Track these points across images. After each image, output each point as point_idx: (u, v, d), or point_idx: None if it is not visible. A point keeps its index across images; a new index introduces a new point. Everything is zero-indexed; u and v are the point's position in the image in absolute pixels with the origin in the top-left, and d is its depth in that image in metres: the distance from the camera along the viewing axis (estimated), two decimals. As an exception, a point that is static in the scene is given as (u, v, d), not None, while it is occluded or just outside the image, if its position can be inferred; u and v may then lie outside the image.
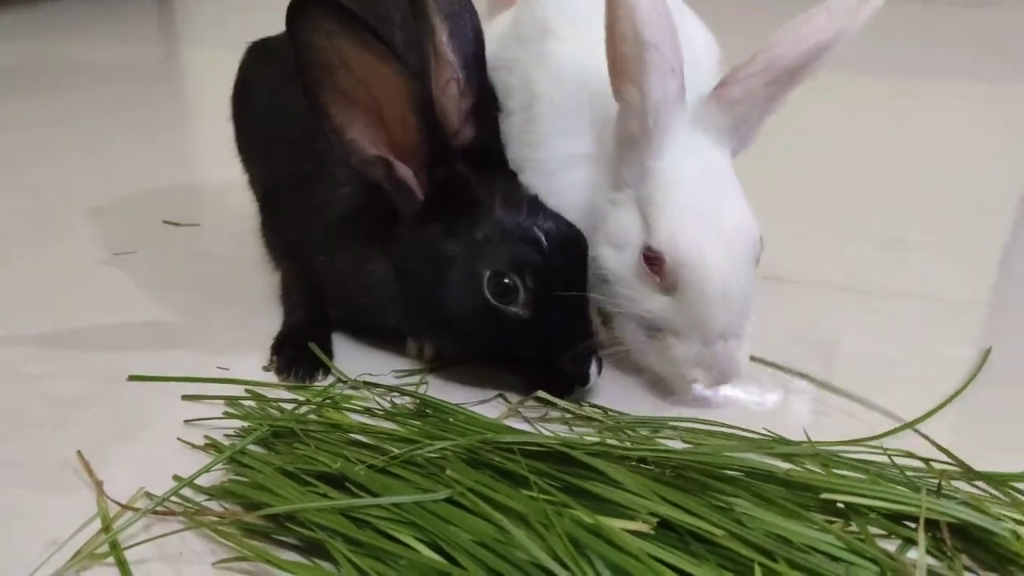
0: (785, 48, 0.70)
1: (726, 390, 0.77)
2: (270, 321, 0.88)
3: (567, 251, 0.73)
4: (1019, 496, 0.60)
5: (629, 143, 0.72)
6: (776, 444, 0.66)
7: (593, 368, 0.73)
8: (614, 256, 0.74)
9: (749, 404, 0.77)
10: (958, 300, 0.97)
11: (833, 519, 0.58)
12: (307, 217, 0.82)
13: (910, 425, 0.70)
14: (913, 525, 0.55)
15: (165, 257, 1.06)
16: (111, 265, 1.03)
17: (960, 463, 0.64)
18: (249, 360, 0.82)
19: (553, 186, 0.78)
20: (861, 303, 0.96)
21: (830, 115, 1.69)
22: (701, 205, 0.70)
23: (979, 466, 0.63)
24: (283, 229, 0.88)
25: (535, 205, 0.74)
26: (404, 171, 0.73)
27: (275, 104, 0.87)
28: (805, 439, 0.67)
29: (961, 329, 0.91)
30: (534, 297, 0.71)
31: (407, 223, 0.75)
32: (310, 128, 0.77)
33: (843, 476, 0.61)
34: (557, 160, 0.79)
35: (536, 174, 0.80)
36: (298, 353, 0.80)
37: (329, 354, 0.81)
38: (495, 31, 0.94)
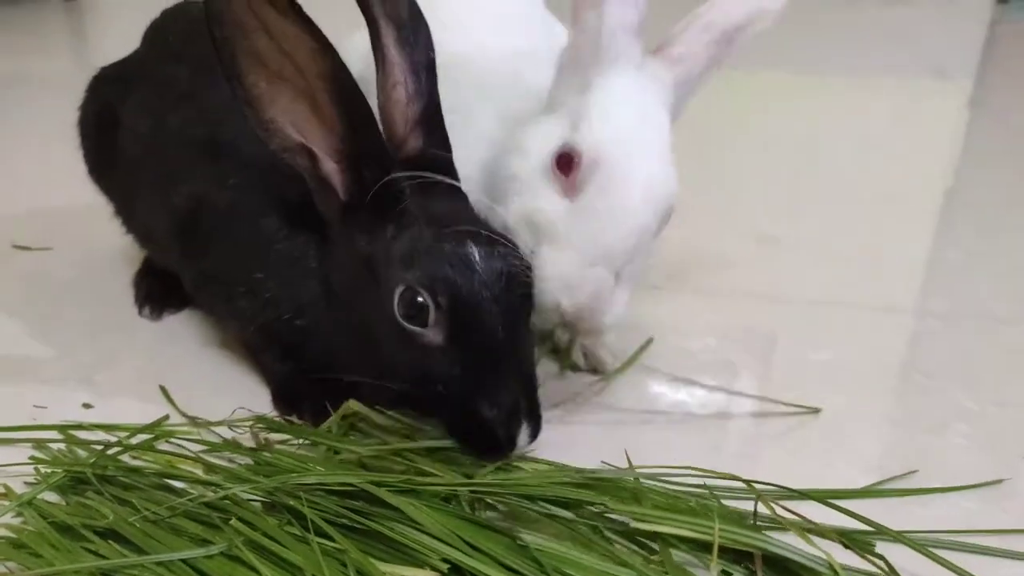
0: (723, 10, 0.72)
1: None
2: (95, 352, 0.84)
3: (504, 285, 0.62)
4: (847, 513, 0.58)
5: (572, 67, 0.69)
6: (583, 474, 0.62)
7: (524, 433, 0.62)
8: (519, 162, 0.69)
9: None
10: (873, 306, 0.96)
11: (649, 553, 0.56)
12: (240, 234, 0.74)
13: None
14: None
15: (8, 285, 1.00)
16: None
17: (781, 487, 0.62)
18: (72, 396, 0.77)
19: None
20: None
21: (744, 113, 1.70)
22: (634, 126, 0.66)
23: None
24: (219, 267, 0.77)
25: (479, 227, 0.64)
26: (329, 166, 0.66)
27: (167, 125, 0.81)
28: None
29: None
30: (449, 321, 0.61)
31: (331, 226, 0.68)
32: (227, 135, 0.73)
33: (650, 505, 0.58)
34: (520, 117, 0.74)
35: None
36: (309, 400, 0.73)
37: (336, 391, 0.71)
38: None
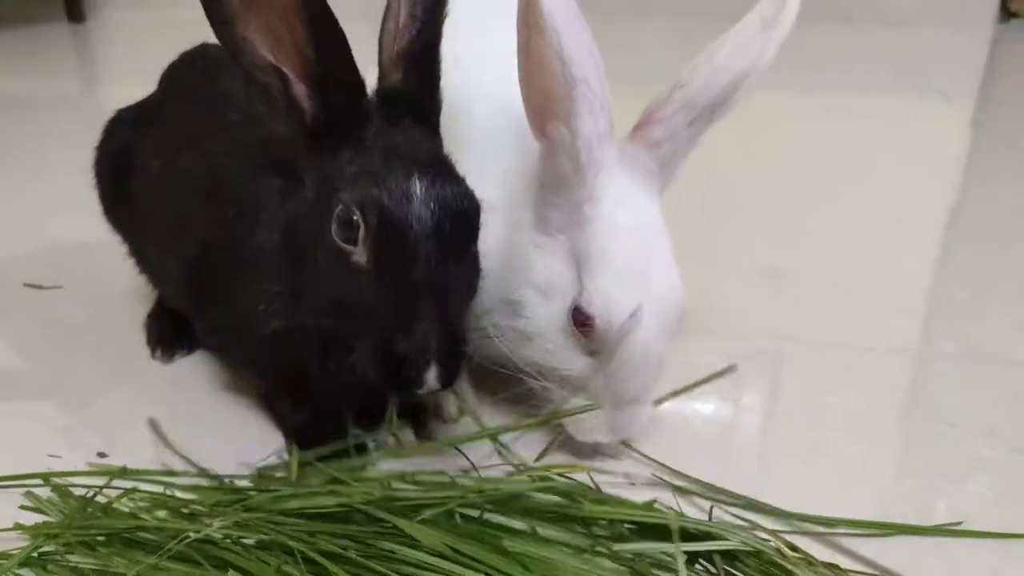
0: (702, 83, 0.69)
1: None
2: (117, 399, 0.84)
3: (440, 220, 0.62)
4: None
5: (557, 185, 0.69)
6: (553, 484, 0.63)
7: (431, 374, 0.61)
8: (540, 304, 0.70)
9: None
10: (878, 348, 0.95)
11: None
12: (243, 269, 0.73)
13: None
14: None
15: (20, 325, 1.00)
16: (-41, 337, 0.98)
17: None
18: (87, 444, 0.77)
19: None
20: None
21: (742, 137, 1.69)
22: (635, 267, 0.67)
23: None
24: (226, 307, 0.76)
25: (435, 160, 0.65)
26: (299, 89, 0.65)
27: (176, 167, 0.81)
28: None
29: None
30: (375, 243, 0.61)
31: (299, 148, 0.67)
32: (226, 172, 0.73)
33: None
34: None
35: None
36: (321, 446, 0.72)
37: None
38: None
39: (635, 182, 0.71)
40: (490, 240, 0.71)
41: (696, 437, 0.79)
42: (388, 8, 0.69)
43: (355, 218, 0.62)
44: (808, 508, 0.66)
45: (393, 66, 0.69)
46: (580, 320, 0.67)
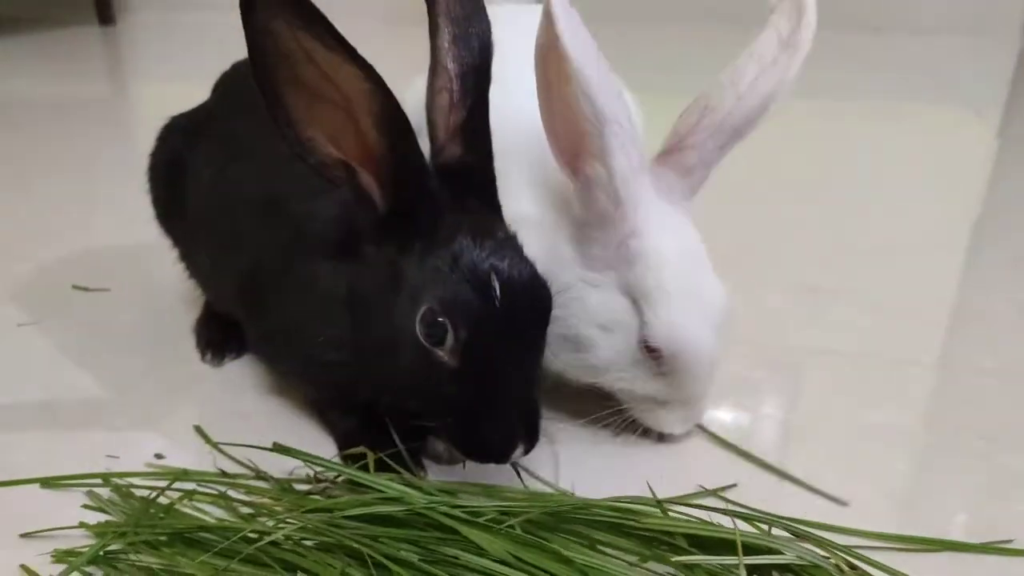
0: (730, 108, 0.72)
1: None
2: (169, 401, 0.86)
3: (524, 306, 0.65)
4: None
5: (599, 222, 0.71)
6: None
7: (519, 451, 0.66)
8: (605, 339, 0.73)
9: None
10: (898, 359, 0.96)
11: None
12: (294, 290, 0.75)
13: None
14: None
15: (68, 328, 1.02)
16: (10, 338, 1.00)
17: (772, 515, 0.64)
18: (145, 446, 0.79)
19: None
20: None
21: (768, 144, 1.70)
22: (689, 290, 0.71)
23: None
24: (278, 326, 0.78)
25: (505, 244, 0.66)
26: (367, 180, 0.66)
27: (227, 178, 0.83)
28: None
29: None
30: (464, 348, 0.64)
31: (367, 237, 0.69)
32: (280, 193, 0.74)
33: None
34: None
35: None
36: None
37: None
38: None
39: (672, 207, 0.73)
40: (530, 253, 0.73)
41: (730, 452, 0.80)
42: (437, 80, 0.70)
43: (441, 320, 0.64)
44: (844, 523, 0.67)
45: (451, 140, 0.70)
46: (649, 348, 0.71)
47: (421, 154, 0.67)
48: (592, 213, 0.71)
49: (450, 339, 0.64)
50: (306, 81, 0.62)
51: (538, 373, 0.69)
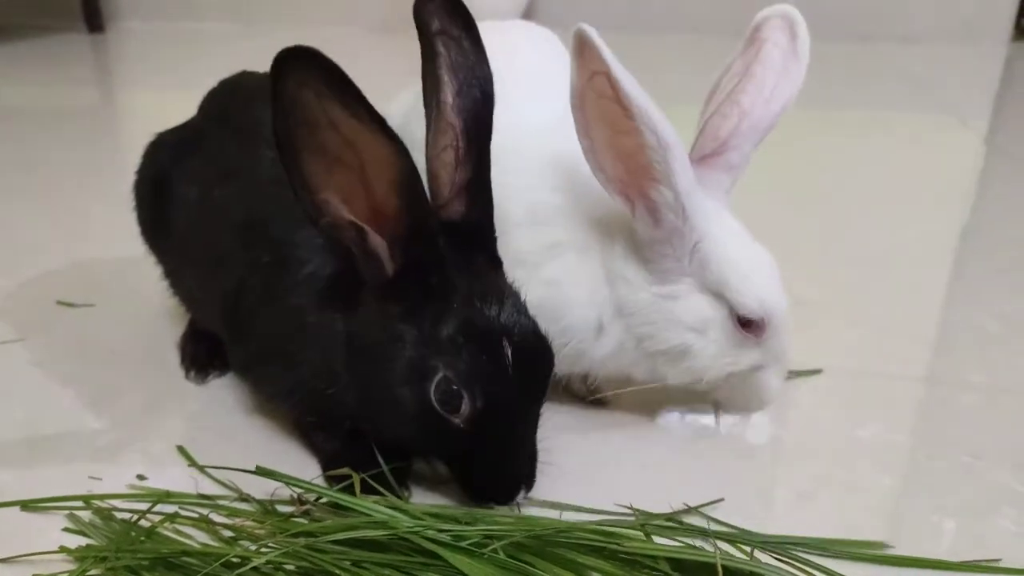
0: (760, 114, 0.78)
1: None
2: (153, 419, 0.85)
3: (532, 366, 0.67)
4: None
5: (667, 238, 0.75)
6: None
7: (521, 493, 0.70)
8: (703, 340, 0.77)
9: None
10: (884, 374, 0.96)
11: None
12: (276, 315, 0.75)
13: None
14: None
15: (52, 345, 1.02)
16: (-7, 355, 0.99)
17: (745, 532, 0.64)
18: (127, 467, 0.78)
19: (543, 275, 0.78)
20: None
21: (759, 154, 1.70)
22: (756, 262, 0.77)
23: None
24: (260, 349, 0.78)
25: (511, 304, 0.67)
26: (377, 242, 0.66)
27: (212, 198, 0.82)
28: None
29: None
30: (480, 415, 0.66)
31: (372, 294, 0.69)
32: (261, 216, 0.75)
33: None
34: (537, 250, 0.79)
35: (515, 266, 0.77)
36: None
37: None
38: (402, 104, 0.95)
39: (719, 203, 0.79)
40: (578, 278, 0.78)
41: (718, 465, 0.80)
42: (441, 138, 0.69)
43: (456, 388, 0.65)
44: (831, 539, 0.67)
45: (455, 197, 0.70)
46: (747, 323, 0.76)
47: (434, 216, 0.67)
48: (660, 232, 0.75)
49: (466, 408, 0.65)
50: (327, 147, 0.62)
51: (539, 418, 0.71)
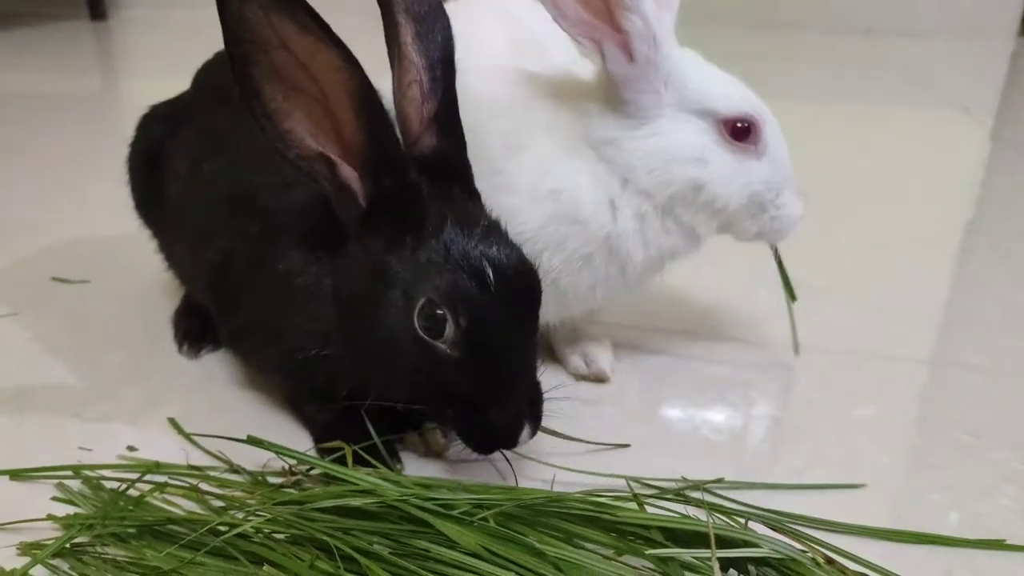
0: None
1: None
2: (145, 393, 0.84)
3: (517, 290, 0.65)
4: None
5: (642, 71, 0.74)
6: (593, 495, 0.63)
7: (525, 432, 0.66)
8: (708, 167, 0.76)
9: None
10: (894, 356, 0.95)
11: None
12: (265, 284, 0.74)
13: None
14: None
15: (46, 319, 1.01)
16: (-13, 328, 0.99)
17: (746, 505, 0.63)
18: (118, 438, 0.78)
19: (541, 191, 0.78)
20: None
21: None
22: (727, 78, 0.79)
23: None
24: (249, 319, 0.77)
25: (491, 231, 0.66)
26: (348, 172, 0.65)
27: (202, 171, 0.81)
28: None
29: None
30: (466, 337, 0.63)
31: (350, 233, 0.68)
32: (249, 187, 0.73)
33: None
34: (527, 172, 0.78)
35: (523, 175, 0.78)
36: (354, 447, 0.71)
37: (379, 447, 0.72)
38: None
39: (672, 22, 0.78)
40: (571, 169, 0.78)
41: (718, 445, 0.79)
42: (405, 75, 0.69)
43: (440, 312, 0.63)
44: (830, 518, 0.66)
45: (425, 131, 0.70)
46: (741, 131, 0.76)
47: (400, 143, 0.66)
48: (635, 66, 0.74)
49: (450, 330, 0.63)
50: (283, 70, 0.61)
51: (536, 355, 0.69)
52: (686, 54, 0.79)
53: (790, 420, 0.84)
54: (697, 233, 0.80)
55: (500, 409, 0.65)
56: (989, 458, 0.77)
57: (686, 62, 0.77)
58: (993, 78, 2.53)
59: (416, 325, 0.64)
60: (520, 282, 0.66)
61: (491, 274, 0.64)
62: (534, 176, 0.78)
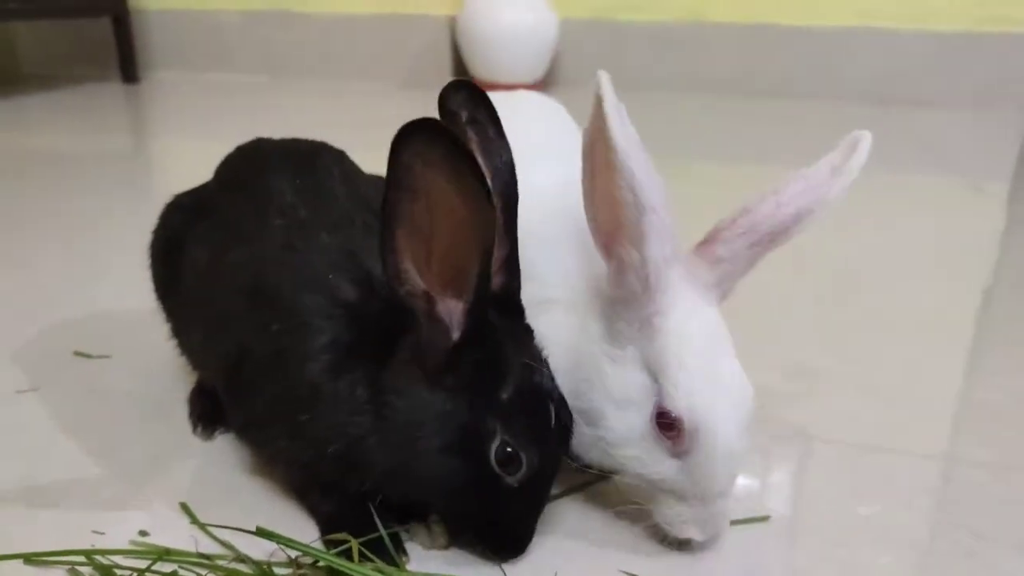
0: (766, 213, 0.73)
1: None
2: (158, 474, 0.86)
3: (566, 427, 0.74)
4: None
5: (626, 301, 0.73)
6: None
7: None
8: (618, 416, 0.73)
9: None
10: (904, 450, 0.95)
11: None
12: (285, 380, 0.75)
13: None
14: None
15: (67, 395, 1.04)
16: (9, 405, 1.01)
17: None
18: (131, 521, 0.79)
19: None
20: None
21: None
22: (710, 369, 0.71)
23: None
24: (262, 413, 0.79)
25: (548, 369, 0.74)
26: (446, 308, 0.68)
27: (221, 262, 0.84)
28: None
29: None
30: (530, 478, 0.70)
31: (412, 360, 0.70)
32: (270, 282, 0.77)
33: None
34: (529, 304, 0.79)
35: None
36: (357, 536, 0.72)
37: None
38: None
39: (698, 294, 0.74)
40: (558, 337, 0.77)
41: (717, 543, 0.79)
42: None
43: (517, 452, 0.69)
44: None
45: (498, 271, 0.74)
46: (665, 424, 0.71)
47: (491, 286, 0.70)
48: (620, 292, 0.73)
49: (523, 469, 0.70)
50: (417, 217, 0.65)
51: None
52: (696, 320, 0.73)
53: (789, 513, 0.84)
54: (585, 447, 0.77)
55: (526, 527, 0.74)
56: (991, 562, 0.76)
57: (675, 322, 0.71)
58: (1007, 151, 2.54)
59: (492, 461, 0.69)
60: (568, 419, 0.74)
61: (553, 415, 0.71)
62: (531, 308, 0.78)
